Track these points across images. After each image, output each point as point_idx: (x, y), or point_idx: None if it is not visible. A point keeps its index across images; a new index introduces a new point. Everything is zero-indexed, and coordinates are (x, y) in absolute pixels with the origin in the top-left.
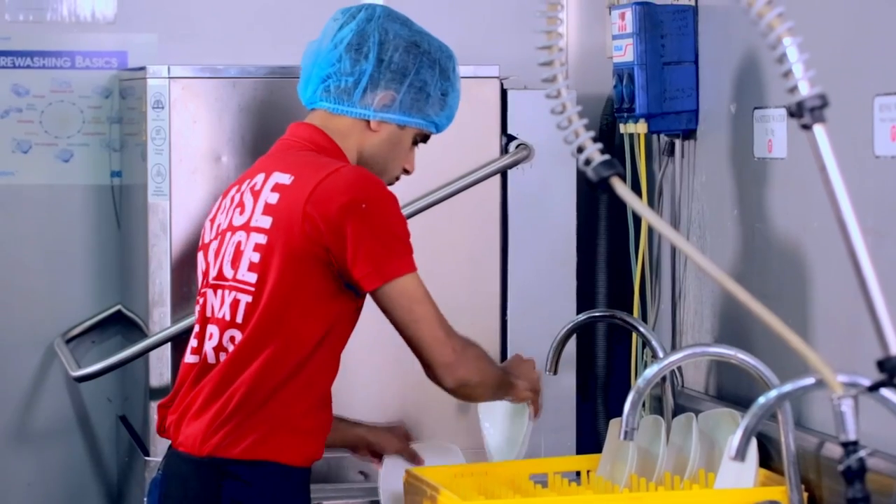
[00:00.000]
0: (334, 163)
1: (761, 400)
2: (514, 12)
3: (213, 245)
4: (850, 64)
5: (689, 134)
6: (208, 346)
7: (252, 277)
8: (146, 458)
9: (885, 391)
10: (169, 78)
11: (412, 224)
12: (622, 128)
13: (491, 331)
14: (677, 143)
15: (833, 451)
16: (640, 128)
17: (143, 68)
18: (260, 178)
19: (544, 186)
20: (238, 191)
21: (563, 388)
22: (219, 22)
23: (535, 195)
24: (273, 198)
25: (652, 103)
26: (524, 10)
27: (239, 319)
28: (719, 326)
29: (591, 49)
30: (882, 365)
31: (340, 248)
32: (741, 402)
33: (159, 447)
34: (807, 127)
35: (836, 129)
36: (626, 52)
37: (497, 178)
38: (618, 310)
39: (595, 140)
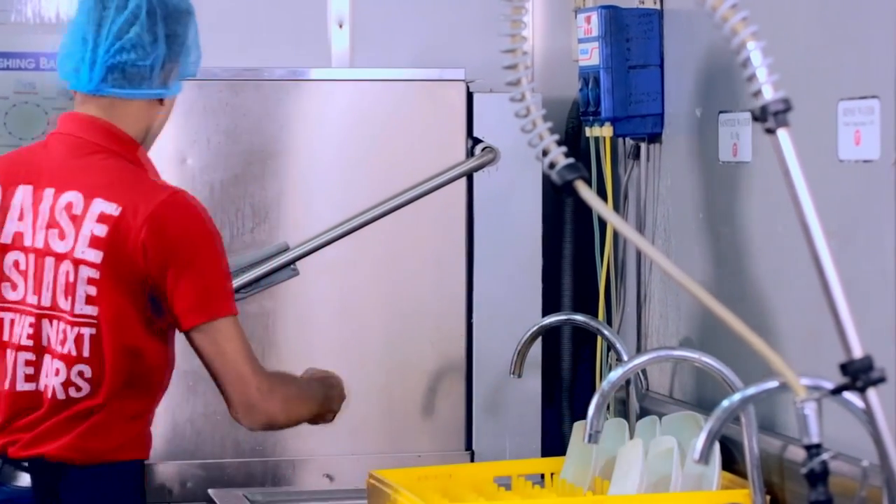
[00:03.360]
0: (157, 186)
1: (725, 403)
2: (480, 15)
3: (21, 261)
4: (815, 68)
5: (655, 137)
6: (55, 381)
7: (91, 310)
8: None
9: (847, 394)
10: None
11: (379, 226)
12: (588, 131)
13: (456, 333)
14: (643, 146)
15: (796, 454)
16: (606, 131)
17: None
18: (75, 197)
19: (510, 189)
20: (36, 198)
21: (528, 390)
22: None
23: (501, 198)
24: (100, 230)
25: (617, 107)
26: (490, 13)
27: (86, 354)
28: (684, 330)
29: (556, 52)
30: (845, 368)
31: (163, 281)
32: (705, 405)
33: None
34: (771, 131)
35: (800, 134)
36: (591, 56)
37: (463, 181)
38: (583, 313)
39: (560, 143)
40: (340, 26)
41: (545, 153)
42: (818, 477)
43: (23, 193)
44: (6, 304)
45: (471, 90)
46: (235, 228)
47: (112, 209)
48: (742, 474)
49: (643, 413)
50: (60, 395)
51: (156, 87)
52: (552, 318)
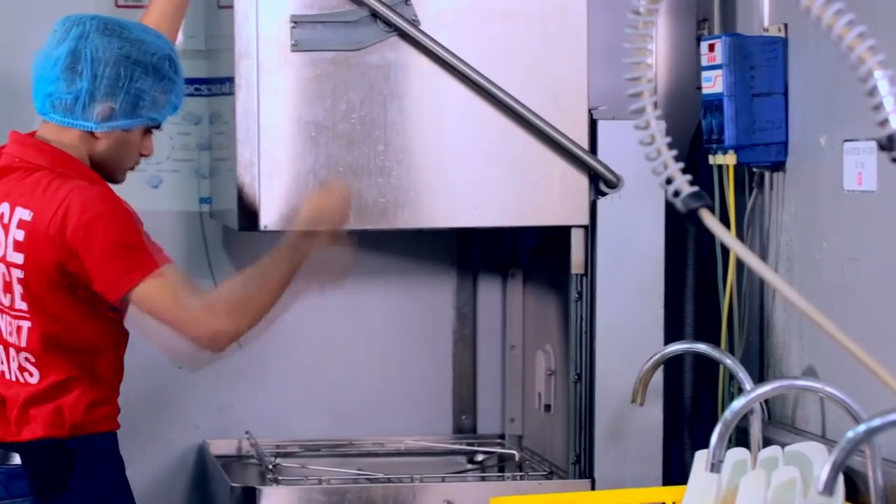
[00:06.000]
0: (64, 184)
1: (850, 434)
2: (603, 42)
3: None
4: None
5: (778, 166)
6: (13, 367)
7: (24, 305)
8: (232, 484)
9: None
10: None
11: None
12: (711, 159)
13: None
14: (766, 174)
15: None
16: (730, 159)
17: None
18: (5, 207)
19: (633, 216)
20: None
21: (649, 419)
22: None
23: (624, 225)
24: (20, 235)
25: (741, 135)
26: (613, 39)
27: (24, 344)
28: (807, 359)
29: (679, 80)
30: None
31: (82, 269)
32: (829, 436)
33: (248, 473)
34: None
35: None
36: (715, 84)
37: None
38: (705, 341)
39: (684, 171)
40: None
41: (669, 181)
42: None
43: None
44: None
45: (594, 117)
46: None
47: (27, 215)
48: None
49: (766, 443)
50: (22, 380)
51: (80, 120)
52: (674, 347)
